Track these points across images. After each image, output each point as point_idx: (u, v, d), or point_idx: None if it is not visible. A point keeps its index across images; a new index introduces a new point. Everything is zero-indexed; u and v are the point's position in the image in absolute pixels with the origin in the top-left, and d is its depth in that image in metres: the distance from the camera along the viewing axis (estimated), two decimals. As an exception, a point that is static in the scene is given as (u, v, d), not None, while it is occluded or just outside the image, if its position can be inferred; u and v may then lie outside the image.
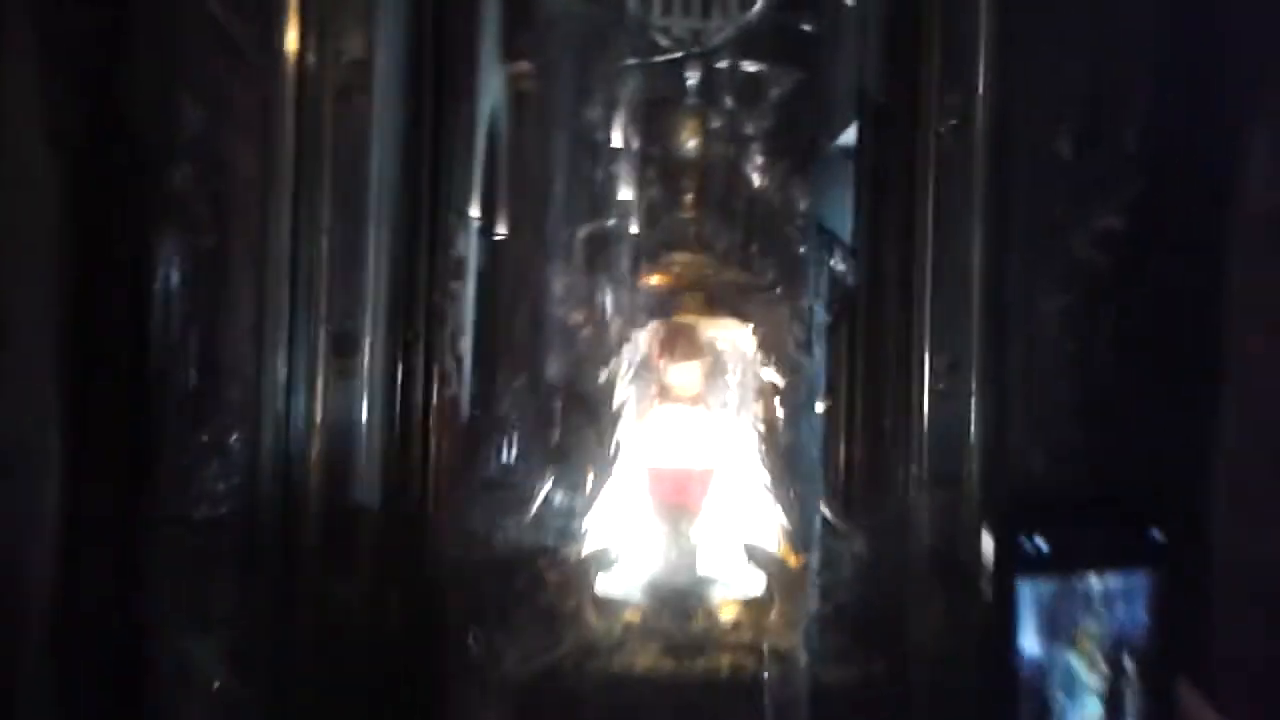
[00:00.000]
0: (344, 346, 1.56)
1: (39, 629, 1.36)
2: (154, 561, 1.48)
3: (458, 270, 1.73)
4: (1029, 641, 0.79)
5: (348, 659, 1.54)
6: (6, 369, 1.35)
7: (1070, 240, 1.69)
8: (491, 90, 1.80)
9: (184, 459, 1.51)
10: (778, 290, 1.88)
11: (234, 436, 1.52)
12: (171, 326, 1.51)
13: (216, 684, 1.51)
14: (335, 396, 1.55)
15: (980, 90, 1.62)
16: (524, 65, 1.87)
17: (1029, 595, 0.79)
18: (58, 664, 1.37)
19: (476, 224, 1.77)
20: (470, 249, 1.78)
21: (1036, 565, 0.79)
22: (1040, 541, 0.79)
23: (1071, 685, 0.81)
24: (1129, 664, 0.83)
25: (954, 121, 1.66)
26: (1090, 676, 0.82)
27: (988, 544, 0.79)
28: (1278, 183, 1.63)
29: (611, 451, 1.78)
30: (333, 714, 1.53)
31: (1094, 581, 0.81)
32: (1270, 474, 1.56)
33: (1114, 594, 0.81)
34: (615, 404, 1.80)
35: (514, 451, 1.78)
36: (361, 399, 1.58)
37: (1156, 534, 0.83)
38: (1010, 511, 0.80)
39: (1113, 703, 0.83)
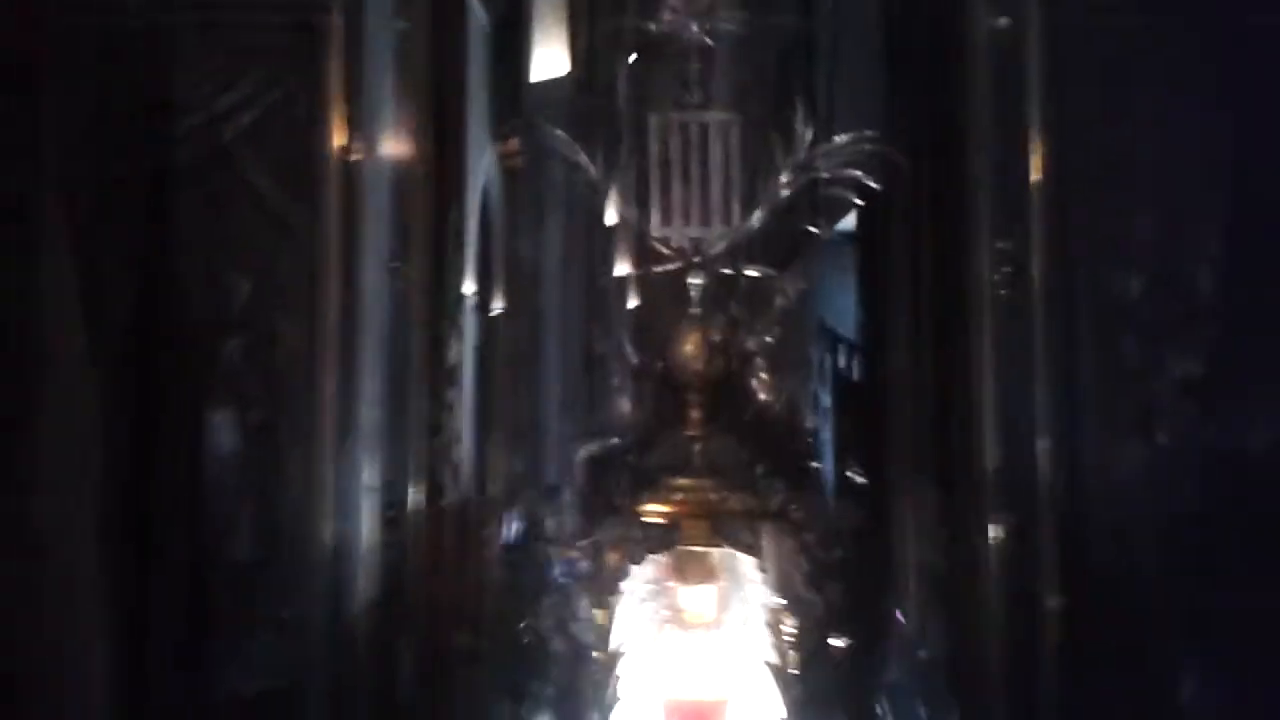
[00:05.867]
0: (390, 510, 1.57)
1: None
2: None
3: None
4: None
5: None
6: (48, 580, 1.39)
7: (1148, 389, 1.60)
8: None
9: (240, 634, 1.50)
10: (786, 517, 1.72)
11: (287, 610, 1.51)
12: (225, 500, 1.52)
13: None
14: (382, 564, 1.55)
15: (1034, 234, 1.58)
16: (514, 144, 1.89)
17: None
18: None
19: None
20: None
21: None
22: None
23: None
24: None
25: (1008, 269, 1.61)
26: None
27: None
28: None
29: (610, 694, 1.67)
30: None
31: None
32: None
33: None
34: (611, 645, 1.69)
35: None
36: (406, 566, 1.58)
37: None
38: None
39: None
